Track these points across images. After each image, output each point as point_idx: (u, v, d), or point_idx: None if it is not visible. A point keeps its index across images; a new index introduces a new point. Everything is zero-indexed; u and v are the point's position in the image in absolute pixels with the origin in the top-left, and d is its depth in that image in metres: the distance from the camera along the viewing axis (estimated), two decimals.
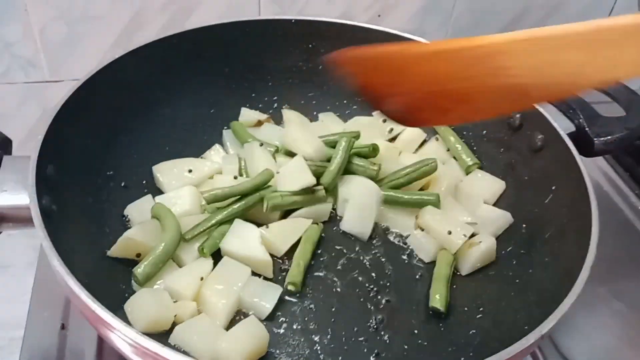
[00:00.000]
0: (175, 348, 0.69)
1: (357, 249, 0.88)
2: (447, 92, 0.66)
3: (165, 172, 0.92)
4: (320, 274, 0.84)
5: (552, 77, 0.59)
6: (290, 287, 0.81)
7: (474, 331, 0.77)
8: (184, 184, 0.90)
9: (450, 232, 0.86)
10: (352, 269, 0.85)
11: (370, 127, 1.02)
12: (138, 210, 0.86)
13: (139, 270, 0.75)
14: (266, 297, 0.78)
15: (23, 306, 0.87)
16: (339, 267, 0.85)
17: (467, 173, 0.97)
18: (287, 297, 0.80)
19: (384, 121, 1.03)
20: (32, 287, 0.89)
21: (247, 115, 1.04)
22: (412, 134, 1.03)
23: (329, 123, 1.05)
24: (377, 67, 0.71)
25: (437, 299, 0.79)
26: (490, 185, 0.94)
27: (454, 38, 0.66)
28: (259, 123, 1.02)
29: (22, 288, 0.91)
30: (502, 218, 0.90)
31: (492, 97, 0.64)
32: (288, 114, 1.04)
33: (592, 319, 0.91)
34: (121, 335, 0.58)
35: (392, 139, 1.04)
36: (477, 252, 0.84)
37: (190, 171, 0.92)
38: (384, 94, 0.73)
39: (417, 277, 0.85)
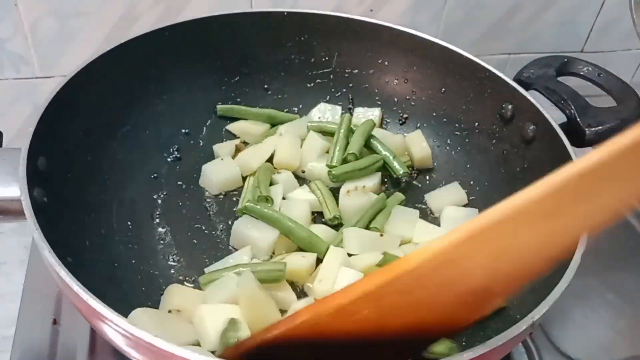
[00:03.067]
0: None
1: None
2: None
3: None
4: None
5: (516, 263, 0.48)
6: None
7: None
8: None
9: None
10: None
11: None
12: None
13: None
14: None
15: (14, 305, 0.86)
16: None
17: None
18: None
19: None
20: (23, 283, 0.89)
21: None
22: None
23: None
24: None
25: None
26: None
27: (385, 266, 0.52)
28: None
29: (13, 286, 0.91)
30: (470, 216, 0.90)
31: (449, 310, 0.52)
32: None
33: (585, 311, 0.92)
34: (114, 327, 0.57)
35: None
36: None
37: None
38: None
39: None
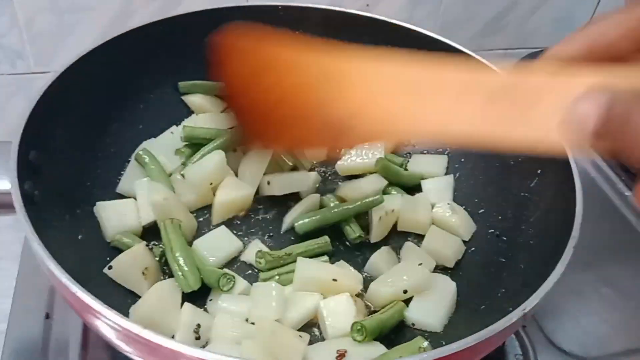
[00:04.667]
0: None
1: None
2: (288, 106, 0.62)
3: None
4: None
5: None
6: None
7: (459, 315, 0.78)
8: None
9: None
10: None
11: None
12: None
13: None
14: None
15: (9, 300, 0.86)
16: None
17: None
18: None
19: None
20: (15, 277, 0.89)
21: None
22: None
23: None
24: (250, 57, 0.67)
25: None
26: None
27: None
28: None
29: (9, 282, 0.91)
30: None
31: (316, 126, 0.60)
32: None
33: (579, 304, 0.92)
34: (106, 321, 0.57)
35: None
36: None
37: None
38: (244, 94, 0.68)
39: None
